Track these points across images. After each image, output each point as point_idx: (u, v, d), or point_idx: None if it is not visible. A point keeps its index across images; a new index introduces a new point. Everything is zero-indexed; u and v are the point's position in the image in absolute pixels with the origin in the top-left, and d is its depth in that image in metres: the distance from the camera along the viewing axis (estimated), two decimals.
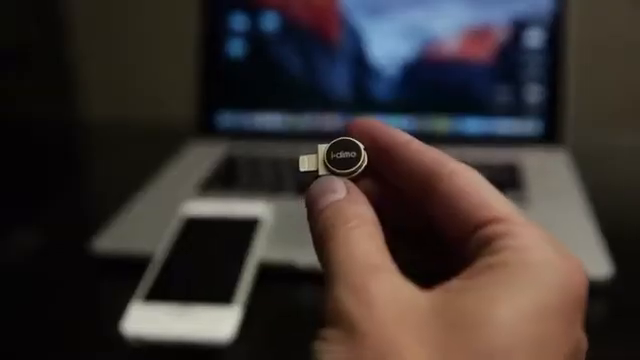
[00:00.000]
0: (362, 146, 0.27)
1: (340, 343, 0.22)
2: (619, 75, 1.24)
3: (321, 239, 0.25)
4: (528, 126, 0.77)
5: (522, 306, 0.21)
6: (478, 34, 0.77)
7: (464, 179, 0.25)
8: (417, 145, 0.27)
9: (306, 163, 0.28)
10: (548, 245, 0.23)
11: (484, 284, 0.22)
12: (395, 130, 0.28)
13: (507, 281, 0.22)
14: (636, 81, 1.24)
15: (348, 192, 0.26)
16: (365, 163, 0.27)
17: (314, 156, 0.28)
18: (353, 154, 0.27)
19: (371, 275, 0.23)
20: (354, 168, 0.27)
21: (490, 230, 0.24)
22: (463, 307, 0.21)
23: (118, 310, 0.52)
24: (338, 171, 0.27)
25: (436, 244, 0.27)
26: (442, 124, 0.78)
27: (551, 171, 0.71)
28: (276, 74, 0.81)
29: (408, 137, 0.27)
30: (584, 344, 0.24)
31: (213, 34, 0.82)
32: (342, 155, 0.27)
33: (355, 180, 0.27)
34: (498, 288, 0.22)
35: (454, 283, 0.23)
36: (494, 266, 0.23)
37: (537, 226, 0.24)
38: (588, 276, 0.23)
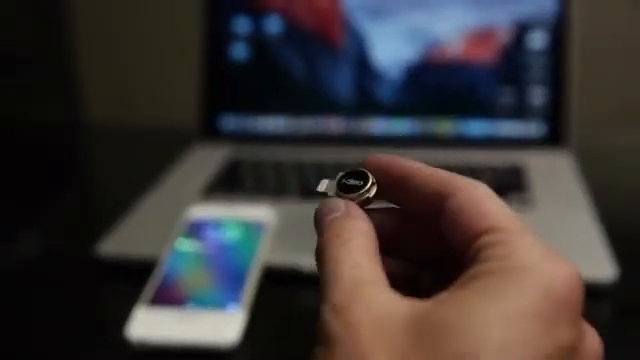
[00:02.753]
0: (371, 177, 0.29)
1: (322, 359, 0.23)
2: (621, 75, 1.24)
3: (317, 257, 0.27)
4: (532, 128, 0.76)
5: (492, 312, 0.22)
6: (481, 36, 0.77)
7: (468, 193, 0.26)
8: (428, 170, 0.28)
9: (324, 186, 0.31)
10: (536, 251, 0.23)
11: (465, 294, 0.23)
12: (408, 160, 0.29)
13: (484, 289, 0.23)
14: (638, 81, 1.24)
15: (346, 209, 0.28)
16: (372, 192, 0.29)
17: (332, 181, 0.31)
18: (361, 182, 0.29)
19: (354, 290, 0.24)
20: (359, 193, 0.29)
21: (484, 240, 0.24)
22: (439, 316, 0.22)
23: (123, 314, 0.52)
24: (344, 195, 0.29)
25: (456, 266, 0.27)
26: (445, 126, 0.78)
27: (555, 173, 0.71)
28: (279, 77, 0.81)
29: (420, 164, 0.29)
30: (586, 342, 0.24)
31: (216, 37, 0.82)
32: (351, 182, 0.30)
33: (368, 211, 0.29)
34: (475, 297, 0.22)
35: (442, 294, 0.23)
36: (478, 275, 0.23)
37: (532, 234, 0.24)
38: (581, 280, 0.24)
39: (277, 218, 0.61)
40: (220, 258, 0.57)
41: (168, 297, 0.53)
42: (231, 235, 0.59)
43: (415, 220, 0.29)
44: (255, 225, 0.59)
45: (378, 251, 0.26)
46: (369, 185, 0.29)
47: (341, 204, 0.28)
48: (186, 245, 0.58)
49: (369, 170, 0.30)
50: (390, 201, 0.30)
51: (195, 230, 0.59)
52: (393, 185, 0.29)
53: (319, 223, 0.28)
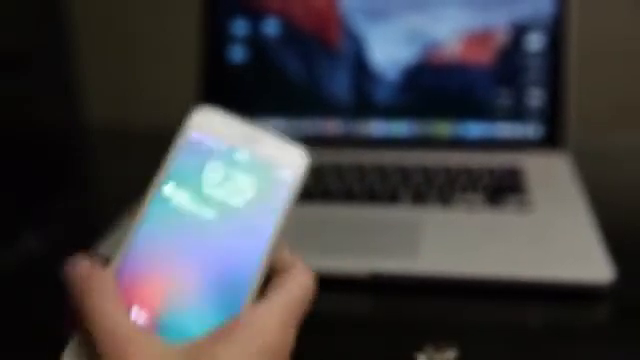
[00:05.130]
0: None
1: None
2: (619, 77, 1.24)
3: None
4: (529, 130, 0.77)
5: None
6: (479, 38, 0.77)
7: None
8: None
9: None
10: None
11: None
12: None
13: None
14: (637, 82, 1.24)
15: None
16: None
17: None
18: None
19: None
20: None
21: None
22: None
23: None
24: None
25: None
26: (443, 128, 0.78)
27: (553, 175, 0.71)
28: (277, 79, 0.81)
29: None
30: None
31: (214, 39, 0.82)
32: None
33: None
34: None
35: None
36: None
37: None
38: None
39: None
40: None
41: None
42: None
43: None
44: None
45: None
46: None
47: None
48: None
49: None
50: None
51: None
52: None
53: None
